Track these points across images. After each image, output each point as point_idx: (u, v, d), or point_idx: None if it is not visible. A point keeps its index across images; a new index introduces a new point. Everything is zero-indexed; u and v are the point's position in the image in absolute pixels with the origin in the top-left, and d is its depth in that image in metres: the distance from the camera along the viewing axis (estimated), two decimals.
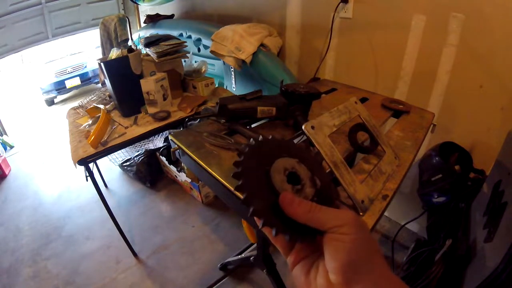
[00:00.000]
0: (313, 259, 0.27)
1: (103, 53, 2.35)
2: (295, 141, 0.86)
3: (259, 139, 0.32)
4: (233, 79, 1.84)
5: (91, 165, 1.26)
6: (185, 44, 1.65)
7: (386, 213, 1.19)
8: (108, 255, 1.63)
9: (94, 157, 1.23)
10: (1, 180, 2.43)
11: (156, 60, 1.51)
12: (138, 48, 1.69)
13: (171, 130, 1.44)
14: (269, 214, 0.26)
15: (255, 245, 1.45)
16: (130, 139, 1.30)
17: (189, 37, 2.03)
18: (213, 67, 2.01)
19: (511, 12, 0.98)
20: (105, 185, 2.19)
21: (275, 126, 0.89)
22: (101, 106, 1.46)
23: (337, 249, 0.23)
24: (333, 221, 0.24)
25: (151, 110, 1.46)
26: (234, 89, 1.86)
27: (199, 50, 2.04)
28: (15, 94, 5.07)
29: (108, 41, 2.29)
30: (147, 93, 1.42)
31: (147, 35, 2.23)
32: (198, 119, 1.12)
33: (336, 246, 0.23)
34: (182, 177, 1.97)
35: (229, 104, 0.86)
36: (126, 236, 1.54)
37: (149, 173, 2.15)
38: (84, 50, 4.54)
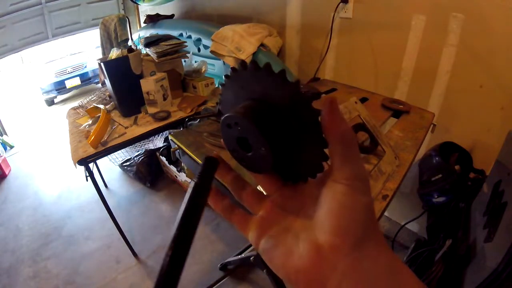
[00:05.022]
0: (284, 227, 0.22)
1: (103, 53, 2.35)
2: None
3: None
4: None
5: (91, 165, 1.26)
6: (185, 44, 1.65)
7: (386, 213, 1.19)
8: (108, 255, 1.63)
9: (94, 157, 1.23)
10: (1, 180, 2.43)
11: (156, 60, 1.50)
12: (138, 48, 1.69)
13: (171, 130, 1.44)
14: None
15: None
16: (130, 139, 1.30)
17: (189, 37, 2.03)
18: (213, 67, 2.00)
19: (511, 12, 0.98)
20: (105, 185, 2.19)
21: None
22: (101, 106, 1.46)
23: (345, 206, 0.19)
24: (355, 166, 0.19)
25: (151, 110, 1.46)
26: None
27: (199, 50, 2.03)
28: (15, 94, 5.07)
29: (108, 41, 2.29)
30: (147, 93, 1.42)
31: (147, 35, 2.22)
32: (198, 119, 1.12)
33: (346, 202, 0.19)
34: (182, 177, 1.97)
35: None
36: (126, 236, 1.54)
37: (149, 173, 2.15)
38: (84, 50, 4.54)
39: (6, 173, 2.49)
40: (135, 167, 2.15)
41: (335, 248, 0.18)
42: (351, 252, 0.18)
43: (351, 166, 0.19)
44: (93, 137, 1.21)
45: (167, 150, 2.16)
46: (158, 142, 2.39)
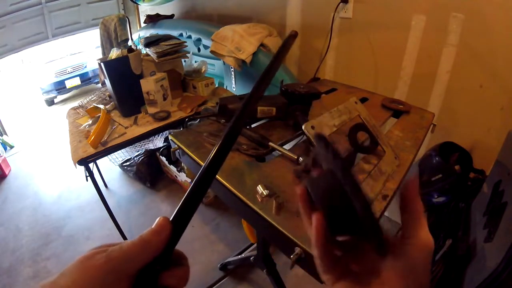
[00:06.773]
0: (358, 278, 0.26)
1: (103, 53, 2.35)
2: (295, 141, 0.86)
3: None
4: (233, 79, 1.84)
5: (91, 165, 1.26)
6: (185, 44, 1.65)
7: (386, 213, 1.19)
8: None
9: (94, 157, 1.23)
10: (1, 180, 2.43)
11: (156, 60, 1.50)
12: (138, 48, 1.69)
13: (171, 130, 1.44)
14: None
15: (255, 245, 1.45)
16: (130, 139, 1.30)
17: (189, 37, 2.03)
18: (213, 67, 2.00)
19: (511, 12, 0.98)
20: (105, 185, 2.19)
21: (275, 126, 0.89)
22: (101, 106, 1.46)
23: (414, 270, 0.23)
24: (425, 238, 0.25)
25: (151, 110, 1.46)
26: (234, 89, 1.86)
27: (199, 50, 2.03)
28: (15, 94, 5.07)
29: (108, 41, 2.29)
30: (147, 93, 1.42)
31: (147, 35, 2.23)
32: (198, 119, 1.12)
33: (414, 266, 0.24)
34: (182, 177, 1.97)
35: (229, 104, 0.87)
36: (126, 236, 1.54)
37: (149, 173, 2.15)
38: (84, 50, 4.54)
39: (6, 173, 2.49)
40: (135, 167, 2.15)
41: None
42: None
43: (422, 233, 0.25)
44: (93, 137, 1.21)
45: (167, 150, 2.16)
46: (158, 142, 2.39)
